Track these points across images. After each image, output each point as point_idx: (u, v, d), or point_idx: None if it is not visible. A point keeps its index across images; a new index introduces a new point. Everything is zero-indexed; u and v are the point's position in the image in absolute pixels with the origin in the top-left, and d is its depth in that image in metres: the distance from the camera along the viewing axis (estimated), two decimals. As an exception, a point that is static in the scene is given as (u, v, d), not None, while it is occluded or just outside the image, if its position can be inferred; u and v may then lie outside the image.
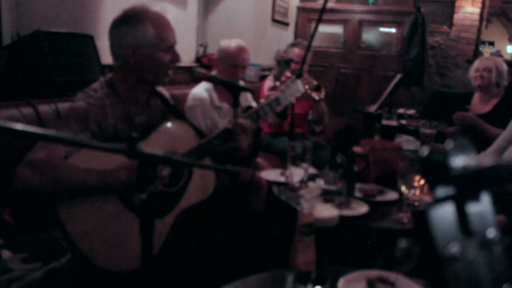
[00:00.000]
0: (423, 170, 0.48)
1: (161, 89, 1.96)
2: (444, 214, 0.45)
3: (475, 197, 0.46)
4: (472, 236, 0.46)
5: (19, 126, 0.85)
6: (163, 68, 1.75)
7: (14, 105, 2.00)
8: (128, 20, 1.71)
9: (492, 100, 3.60)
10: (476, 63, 3.68)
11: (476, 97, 3.76)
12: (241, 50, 2.75)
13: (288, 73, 3.03)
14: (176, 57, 1.78)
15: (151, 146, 1.67)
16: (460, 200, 0.46)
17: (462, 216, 0.45)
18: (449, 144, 0.46)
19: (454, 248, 0.45)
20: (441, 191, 0.46)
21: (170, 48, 1.75)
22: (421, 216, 0.45)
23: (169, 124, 1.81)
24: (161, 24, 1.73)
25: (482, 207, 0.46)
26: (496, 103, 3.56)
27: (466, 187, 0.45)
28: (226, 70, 2.72)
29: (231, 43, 2.78)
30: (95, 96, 1.69)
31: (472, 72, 3.67)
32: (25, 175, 1.46)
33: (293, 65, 3.21)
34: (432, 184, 0.45)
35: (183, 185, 1.77)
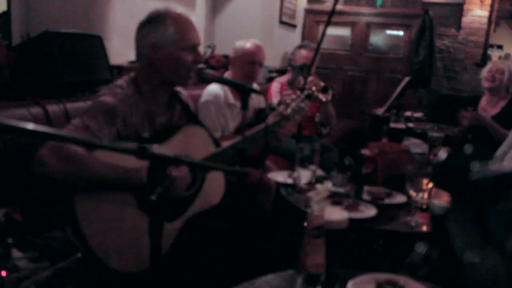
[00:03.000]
0: (441, 174, 0.47)
1: (181, 90, 1.97)
2: (463, 219, 0.44)
3: (495, 202, 0.45)
4: (492, 241, 0.45)
5: (30, 126, 0.85)
6: (184, 68, 1.76)
7: (23, 105, 2.00)
8: (151, 21, 1.75)
9: (500, 103, 3.60)
10: (490, 64, 3.69)
11: (484, 99, 3.75)
12: (258, 48, 2.83)
13: (301, 79, 3.05)
14: (198, 58, 1.79)
15: (169, 150, 1.68)
16: (480, 205, 0.45)
17: (481, 221, 0.45)
18: (468, 149, 0.46)
19: (473, 254, 0.44)
20: (461, 196, 0.45)
21: (192, 48, 1.77)
22: (440, 220, 0.44)
23: (187, 130, 1.82)
24: (182, 24, 1.75)
25: (501, 211, 0.45)
26: (504, 105, 3.56)
27: (485, 191, 0.44)
28: (244, 67, 2.78)
29: (247, 41, 2.85)
30: (123, 93, 1.70)
31: (484, 73, 3.66)
32: (48, 159, 1.44)
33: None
34: (451, 188, 0.45)
35: (195, 191, 1.78)
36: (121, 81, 1.78)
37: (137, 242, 1.52)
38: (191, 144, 1.80)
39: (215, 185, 1.87)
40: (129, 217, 1.56)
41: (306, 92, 2.45)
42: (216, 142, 1.92)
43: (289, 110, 2.23)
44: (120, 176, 1.50)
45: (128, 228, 1.55)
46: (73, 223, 1.49)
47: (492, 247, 0.41)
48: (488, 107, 3.66)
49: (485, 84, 3.64)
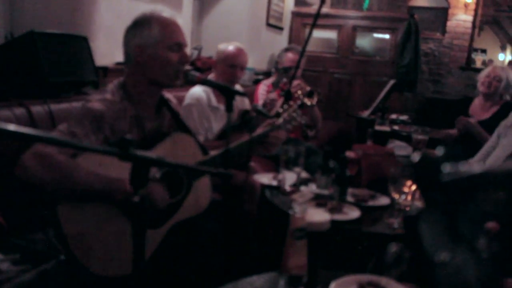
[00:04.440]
0: (415, 176, 0.49)
1: (171, 99, 1.97)
2: (434, 219, 0.46)
3: (465, 203, 0.46)
4: (461, 241, 0.46)
5: (12, 127, 0.85)
6: (171, 67, 1.76)
7: (6, 105, 1.99)
8: (137, 23, 1.78)
9: (492, 109, 3.63)
10: (489, 69, 3.70)
11: (477, 102, 3.78)
12: (239, 51, 2.83)
13: (285, 81, 3.06)
14: (184, 57, 1.80)
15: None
16: (450, 206, 0.46)
17: (451, 222, 0.46)
18: (440, 151, 0.47)
19: (443, 254, 0.45)
20: (432, 197, 0.46)
21: (178, 48, 1.78)
22: (411, 221, 0.45)
23: (175, 137, 1.82)
24: (166, 24, 1.77)
25: (471, 212, 0.46)
26: (495, 111, 3.59)
27: (456, 193, 0.46)
28: (225, 71, 2.77)
29: (230, 44, 2.85)
30: (111, 100, 1.71)
31: (482, 76, 3.68)
32: (31, 165, 1.44)
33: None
34: (423, 189, 0.46)
35: (181, 198, 1.78)
36: (110, 86, 1.78)
37: (119, 247, 1.52)
38: (179, 151, 1.81)
39: (201, 192, 1.87)
40: (112, 221, 1.55)
41: (299, 102, 2.47)
42: (204, 150, 1.92)
43: (280, 120, 2.25)
44: (103, 185, 1.50)
45: (110, 233, 1.54)
46: (56, 226, 1.48)
47: (462, 246, 0.42)
48: (480, 111, 3.70)
49: (480, 88, 3.67)
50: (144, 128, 1.78)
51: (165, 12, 1.81)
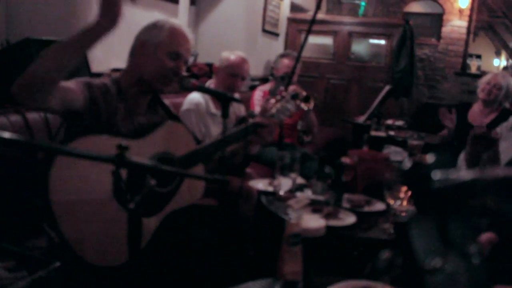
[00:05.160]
0: (406, 183, 0.49)
1: (165, 101, 1.99)
2: (425, 225, 0.46)
3: (455, 209, 0.47)
4: (453, 247, 0.47)
5: (6, 135, 0.85)
6: (162, 71, 1.78)
7: (2, 113, 1.99)
8: (153, 23, 1.84)
9: (490, 115, 3.64)
10: (490, 76, 3.69)
11: (476, 107, 3.79)
12: (242, 61, 2.84)
13: (282, 89, 3.07)
14: (179, 68, 1.82)
15: (148, 145, 1.70)
16: (441, 212, 0.47)
17: (443, 228, 0.47)
18: (431, 158, 0.48)
19: (435, 260, 0.46)
20: (423, 203, 0.47)
21: (176, 57, 1.81)
22: (402, 228, 0.46)
23: (168, 126, 1.83)
24: (176, 32, 1.83)
25: (462, 218, 0.47)
26: (494, 118, 3.59)
27: (446, 199, 0.46)
28: (226, 79, 2.79)
29: (234, 53, 2.86)
30: (102, 81, 1.76)
31: (482, 83, 3.67)
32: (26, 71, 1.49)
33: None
34: (414, 196, 0.46)
35: (174, 187, 1.78)
36: (104, 79, 1.81)
37: (114, 235, 1.51)
38: (172, 140, 1.81)
39: (195, 182, 1.87)
40: (107, 209, 1.54)
41: (291, 93, 2.46)
42: (197, 140, 1.93)
43: (274, 110, 2.24)
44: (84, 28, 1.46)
45: (105, 221, 1.54)
46: (50, 217, 1.46)
47: (453, 252, 0.42)
48: (479, 117, 3.70)
49: (480, 95, 3.67)
50: (134, 120, 1.80)
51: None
